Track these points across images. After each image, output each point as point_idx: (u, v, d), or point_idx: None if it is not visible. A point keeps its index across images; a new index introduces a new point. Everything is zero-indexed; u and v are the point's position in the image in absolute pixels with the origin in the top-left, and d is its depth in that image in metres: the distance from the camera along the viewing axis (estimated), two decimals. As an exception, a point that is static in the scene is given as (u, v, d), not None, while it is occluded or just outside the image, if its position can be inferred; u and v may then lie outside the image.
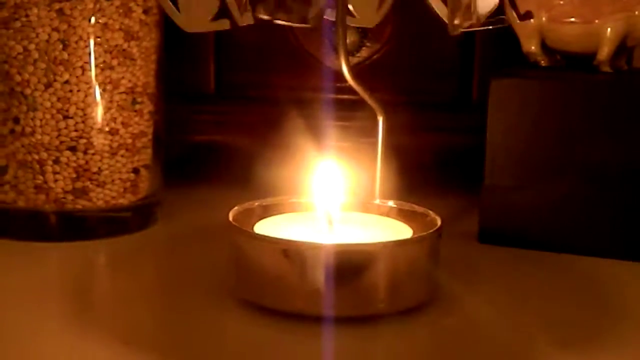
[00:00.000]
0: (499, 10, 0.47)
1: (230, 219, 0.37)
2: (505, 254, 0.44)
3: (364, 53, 0.54)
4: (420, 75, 0.55)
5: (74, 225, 0.45)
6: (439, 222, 0.36)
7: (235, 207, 0.38)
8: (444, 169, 0.53)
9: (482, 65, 0.54)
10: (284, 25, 0.43)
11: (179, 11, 0.39)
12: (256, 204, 0.39)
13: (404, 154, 0.50)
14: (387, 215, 0.39)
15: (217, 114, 0.56)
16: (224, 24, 0.39)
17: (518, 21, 0.46)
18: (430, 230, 0.35)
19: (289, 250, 0.34)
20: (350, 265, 0.34)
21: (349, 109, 0.51)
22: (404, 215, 0.39)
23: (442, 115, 0.53)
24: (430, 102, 0.53)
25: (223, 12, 0.39)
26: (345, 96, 0.51)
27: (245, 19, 0.39)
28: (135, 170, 0.46)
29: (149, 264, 0.44)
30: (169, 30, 0.47)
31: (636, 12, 0.44)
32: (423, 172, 0.51)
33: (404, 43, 0.54)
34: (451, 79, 0.55)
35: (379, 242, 0.34)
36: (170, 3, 0.39)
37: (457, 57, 0.54)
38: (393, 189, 0.42)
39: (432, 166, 0.52)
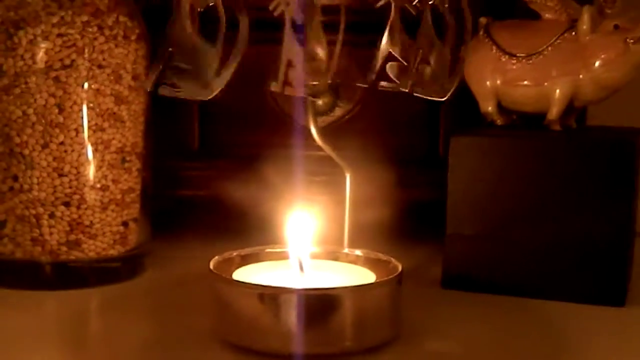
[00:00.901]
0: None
1: (211, 267, 0.40)
2: (465, 298, 0.48)
3: (337, 112, 0.58)
4: (390, 133, 0.59)
5: (68, 275, 0.48)
6: (399, 269, 0.40)
7: (216, 257, 0.42)
8: (413, 221, 0.56)
9: (447, 124, 0.58)
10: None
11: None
12: (235, 253, 0.43)
13: (375, 207, 0.54)
14: (355, 263, 0.43)
15: (201, 169, 0.59)
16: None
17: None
18: (391, 276, 0.39)
19: (264, 295, 0.38)
20: (320, 308, 0.37)
21: (321, 164, 0.55)
22: (369, 263, 0.43)
23: (411, 171, 0.57)
24: (399, 159, 0.57)
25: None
26: (320, 153, 0.55)
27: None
28: (125, 224, 0.50)
29: (137, 310, 0.47)
30: (154, 93, 0.51)
31: (580, 76, 0.48)
32: (393, 223, 0.55)
33: (374, 103, 0.58)
34: (419, 137, 0.59)
35: (345, 287, 0.38)
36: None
37: (424, 117, 0.58)
38: (365, 239, 0.46)
39: (401, 218, 0.56)
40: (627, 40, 0.47)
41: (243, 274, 0.41)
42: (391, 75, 0.43)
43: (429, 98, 0.45)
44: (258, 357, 0.38)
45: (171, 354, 0.40)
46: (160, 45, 0.41)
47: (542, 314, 0.46)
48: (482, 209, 0.48)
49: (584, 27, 0.48)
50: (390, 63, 0.43)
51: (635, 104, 0.66)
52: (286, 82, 0.41)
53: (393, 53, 0.42)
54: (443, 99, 0.46)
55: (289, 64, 0.40)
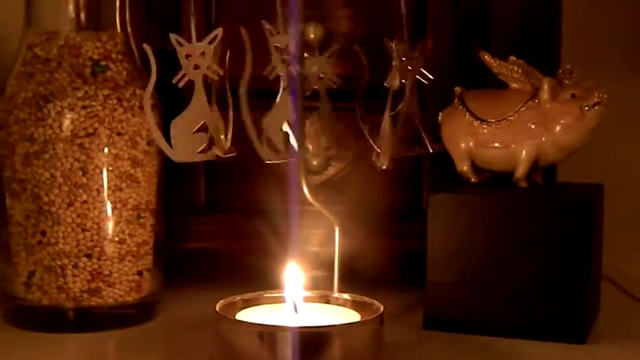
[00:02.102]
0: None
1: (217, 309, 0.46)
2: (444, 338, 0.53)
3: (330, 171, 0.64)
4: (378, 188, 0.64)
5: (89, 319, 0.54)
6: (381, 310, 0.46)
7: (221, 301, 0.47)
8: (399, 269, 0.62)
9: (430, 180, 0.64)
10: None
11: (171, 146, 0.49)
12: (237, 298, 0.48)
13: (363, 256, 0.59)
14: (343, 305, 0.49)
15: (207, 224, 0.64)
16: (211, 156, 0.50)
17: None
18: (374, 316, 0.45)
19: (263, 333, 0.43)
20: (312, 344, 0.43)
21: (318, 218, 0.60)
22: (356, 305, 0.48)
23: (396, 223, 0.63)
24: (386, 211, 0.63)
25: (210, 145, 0.50)
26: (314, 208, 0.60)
27: (228, 152, 0.50)
28: (139, 273, 0.56)
29: (151, 351, 0.52)
30: (167, 156, 0.57)
31: (543, 139, 0.54)
32: (380, 271, 0.60)
33: (363, 163, 0.64)
34: (405, 192, 0.64)
35: (334, 325, 0.44)
36: (164, 140, 0.49)
37: (409, 174, 0.64)
38: (353, 284, 0.52)
39: (387, 266, 0.61)
40: (583, 107, 0.53)
41: (245, 315, 0.47)
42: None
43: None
44: (258, 388, 0.44)
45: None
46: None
47: (510, 352, 0.51)
48: (457, 258, 0.54)
49: (545, 96, 0.54)
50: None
51: (602, 161, 0.73)
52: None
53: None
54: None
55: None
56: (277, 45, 0.51)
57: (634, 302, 0.62)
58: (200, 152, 0.50)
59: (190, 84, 0.50)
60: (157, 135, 0.49)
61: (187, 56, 0.49)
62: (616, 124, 0.76)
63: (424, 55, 0.57)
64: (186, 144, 0.49)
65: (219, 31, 0.50)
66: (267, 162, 0.49)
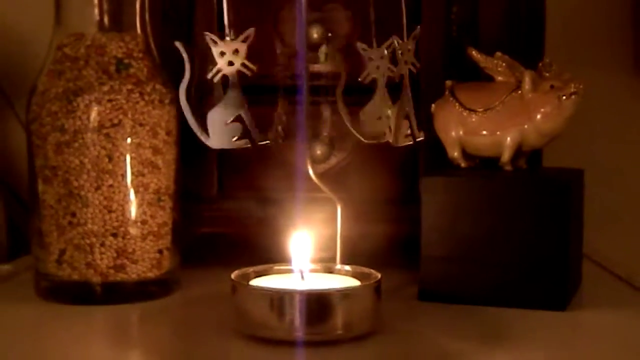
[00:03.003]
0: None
1: (232, 277, 0.52)
2: (437, 308, 0.58)
3: (332, 161, 0.69)
4: (377, 176, 0.70)
5: (114, 293, 0.59)
6: (379, 277, 0.51)
7: (236, 271, 0.53)
8: (396, 250, 0.67)
9: (425, 167, 0.69)
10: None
11: (208, 135, 0.54)
12: (251, 269, 0.54)
13: (362, 240, 0.64)
14: (345, 275, 0.54)
15: (220, 210, 0.69)
16: (246, 143, 0.55)
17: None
18: (372, 281, 0.51)
19: (273, 296, 0.49)
20: (316, 305, 0.49)
21: (321, 203, 0.65)
22: (356, 275, 0.54)
23: (393, 208, 0.68)
24: (383, 198, 0.68)
25: (245, 134, 0.55)
26: (318, 194, 0.65)
27: (261, 139, 0.55)
28: (160, 251, 0.61)
29: (171, 320, 0.58)
30: (183, 146, 0.62)
31: (525, 126, 0.60)
32: (378, 253, 0.65)
33: (363, 152, 0.69)
34: (401, 179, 0.70)
35: (336, 289, 0.50)
36: (200, 128, 0.54)
37: (405, 161, 0.69)
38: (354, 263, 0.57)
39: (385, 248, 0.66)
40: (561, 97, 0.59)
41: (257, 283, 0.52)
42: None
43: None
44: (269, 345, 0.49)
45: (199, 345, 0.51)
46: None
47: (497, 318, 0.56)
48: (449, 235, 0.59)
49: (527, 87, 0.59)
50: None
51: (585, 146, 0.78)
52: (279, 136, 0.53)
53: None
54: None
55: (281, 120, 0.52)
56: (222, 51, 0.54)
57: (614, 278, 0.67)
58: (235, 141, 0.55)
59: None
60: (192, 123, 0.54)
61: (222, 54, 0.54)
62: (600, 116, 0.82)
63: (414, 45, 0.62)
64: (222, 133, 0.54)
65: (251, 31, 0.54)
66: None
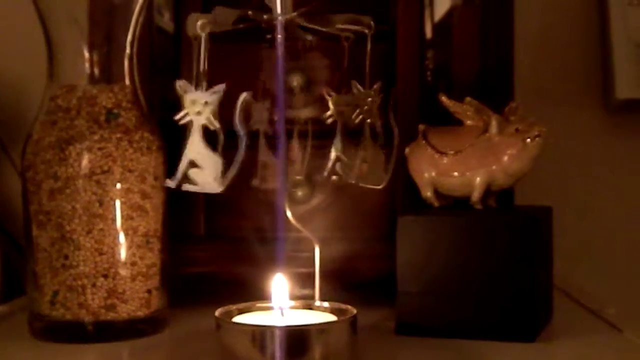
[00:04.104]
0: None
1: (216, 314, 0.55)
2: (414, 341, 0.61)
3: (314, 202, 0.73)
4: (357, 216, 0.73)
5: (106, 331, 0.61)
6: (354, 312, 0.54)
7: (220, 309, 0.56)
8: (373, 285, 0.70)
9: (403, 207, 0.72)
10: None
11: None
12: (234, 307, 0.57)
13: (344, 275, 0.68)
14: (324, 311, 0.57)
15: (206, 251, 0.72)
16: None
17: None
18: (348, 316, 0.54)
19: (254, 331, 0.52)
20: (295, 340, 0.52)
21: (300, 243, 0.68)
22: (334, 311, 0.57)
23: (372, 245, 0.71)
24: (361, 236, 0.72)
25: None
26: (298, 234, 0.68)
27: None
28: (149, 291, 0.63)
29: (160, 357, 0.60)
30: (171, 189, 0.65)
31: (493, 167, 0.63)
32: (357, 288, 0.68)
33: (343, 195, 0.72)
34: (379, 218, 0.73)
35: (313, 324, 0.53)
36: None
37: (383, 201, 0.73)
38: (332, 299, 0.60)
39: (364, 284, 0.69)
40: (525, 139, 0.62)
41: (239, 320, 0.55)
42: (340, 172, 0.58)
43: (369, 186, 0.60)
44: (251, 379, 0.52)
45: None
46: (180, 155, 0.56)
47: (470, 350, 0.59)
48: (423, 271, 0.62)
49: (494, 130, 0.63)
50: (339, 162, 0.58)
51: (557, 183, 0.82)
52: (262, 179, 0.56)
53: (340, 156, 0.58)
54: (380, 187, 0.61)
55: (264, 165, 0.55)
56: (192, 99, 0.56)
57: (585, 311, 0.70)
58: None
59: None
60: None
61: (193, 102, 0.56)
62: (571, 152, 0.86)
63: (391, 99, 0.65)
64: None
65: (221, 87, 0.56)
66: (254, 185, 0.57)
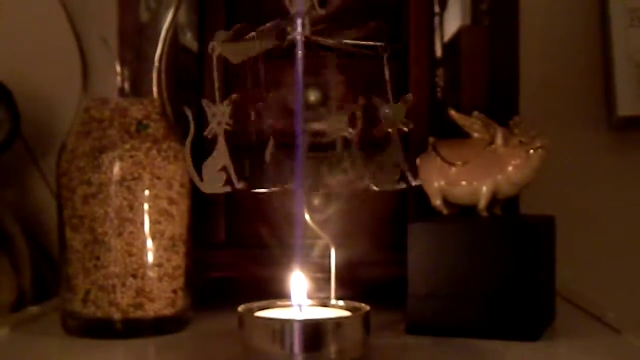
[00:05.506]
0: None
1: (240, 310, 0.59)
2: (424, 340, 0.65)
3: (330, 210, 0.76)
4: (371, 224, 0.77)
5: (134, 329, 0.65)
6: (368, 309, 0.58)
7: (243, 305, 0.60)
8: (384, 292, 0.73)
9: (413, 214, 0.76)
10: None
11: (202, 180, 0.62)
12: (255, 304, 0.61)
13: (356, 283, 0.71)
14: (339, 309, 0.61)
15: (227, 257, 0.76)
16: (227, 189, 0.62)
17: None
18: (362, 312, 0.58)
19: (275, 325, 0.56)
20: (312, 333, 0.55)
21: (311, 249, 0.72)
22: (348, 308, 0.60)
23: (382, 254, 0.75)
24: (374, 245, 0.75)
25: (228, 182, 0.62)
26: (314, 240, 0.72)
27: (240, 186, 0.62)
28: (174, 292, 0.67)
29: (185, 353, 0.64)
30: (196, 197, 0.69)
31: (499, 177, 0.67)
32: (370, 294, 0.72)
33: (361, 203, 0.75)
34: (393, 226, 0.77)
35: (329, 318, 0.57)
36: (198, 177, 0.62)
37: (393, 211, 0.77)
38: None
39: (377, 290, 0.73)
40: (528, 150, 0.66)
41: (260, 315, 0.59)
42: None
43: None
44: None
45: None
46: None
47: (476, 349, 0.63)
48: (433, 275, 0.66)
49: (499, 143, 0.67)
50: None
51: (562, 195, 0.85)
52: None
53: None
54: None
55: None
56: (214, 113, 0.61)
57: (586, 315, 0.74)
58: (222, 186, 0.62)
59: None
60: (192, 172, 0.61)
61: (214, 115, 0.61)
62: (576, 167, 0.90)
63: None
64: (212, 180, 0.61)
65: (234, 97, 0.61)
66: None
